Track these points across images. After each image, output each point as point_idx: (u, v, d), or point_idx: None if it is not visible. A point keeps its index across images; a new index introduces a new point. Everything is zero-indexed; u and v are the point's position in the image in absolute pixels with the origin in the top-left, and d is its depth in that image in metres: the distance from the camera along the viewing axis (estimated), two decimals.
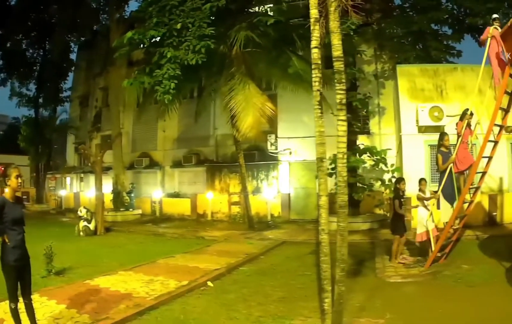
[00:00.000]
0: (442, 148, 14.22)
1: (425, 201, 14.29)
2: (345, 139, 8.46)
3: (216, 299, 11.11)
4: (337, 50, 8.45)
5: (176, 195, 31.11)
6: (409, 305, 10.65)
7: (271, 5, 20.05)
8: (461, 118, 14.11)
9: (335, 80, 8.46)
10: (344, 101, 8.46)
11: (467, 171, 13.82)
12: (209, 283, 12.35)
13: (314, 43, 8.47)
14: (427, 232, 13.92)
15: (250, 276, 13.50)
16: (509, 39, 11.68)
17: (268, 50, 20.74)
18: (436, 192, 13.98)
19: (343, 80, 8.46)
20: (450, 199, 13.87)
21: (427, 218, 13.96)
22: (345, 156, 8.52)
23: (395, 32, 26.33)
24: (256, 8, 21.04)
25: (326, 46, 8.87)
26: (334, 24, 8.47)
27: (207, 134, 31.03)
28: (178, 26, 18.58)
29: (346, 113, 8.50)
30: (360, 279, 12.66)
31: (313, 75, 8.49)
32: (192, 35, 18.48)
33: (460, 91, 20.12)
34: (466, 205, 14.32)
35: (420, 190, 14.49)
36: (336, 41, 8.45)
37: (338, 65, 8.43)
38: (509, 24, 11.13)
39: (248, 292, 11.60)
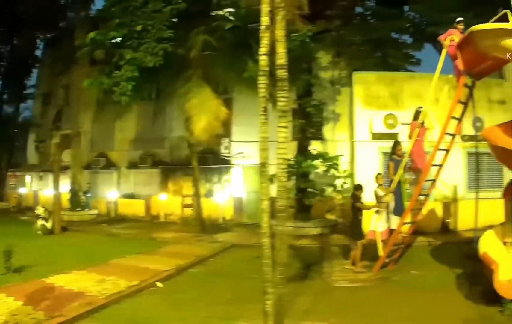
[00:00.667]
0: (394, 156, 14.25)
1: (377, 201, 14.33)
2: (285, 146, 8.62)
3: (164, 299, 11.27)
4: (281, 58, 8.58)
5: (131, 196, 30.88)
6: (354, 309, 10.60)
7: (231, 9, 19.85)
8: (415, 118, 14.18)
9: (278, 88, 8.58)
10: (286, 108, 8.60)
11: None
12: (158, 284, 12.51)
13: (263, 50, 8.53)
14: (375, 232, 14.00)
15: (199, 278, 13.60)
16: (466, 49, 11.65)
17: (225, 54, 20.60)
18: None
19: (286, 88, 8.58)
20: (399, 210, 13.96)
21: (377, 220, 13.97)
22: (285, 162, 8.72)
23: (354, 39, 26.29)
24: (216, 12, 20.83)
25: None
26: (280, 32, 8.61)
27: (162, 136, 30.77)
28: (139, 27, 18.59)
29: (287, 120, 8.64)
30: (307, 283, 12.65)
31: (260, 82, 8.50)
32: (152, 38, 18.48)
33: (417, 99, 19.98)
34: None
35: (378, 185, 14.56)
36: (280, 49, 8.59)
37: (281, 73, 8.56)
38: (466, 34, 11.05)
39: (196, 294, 11.75)
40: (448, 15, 23.10)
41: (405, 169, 14.12)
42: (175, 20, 19.24)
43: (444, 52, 13.15)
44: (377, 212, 14.15)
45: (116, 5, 19.44)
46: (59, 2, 38.50)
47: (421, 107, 14.17)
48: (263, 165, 8.52)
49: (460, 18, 12.91)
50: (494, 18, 10.94)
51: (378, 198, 14.35)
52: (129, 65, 18.50)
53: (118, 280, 12.37)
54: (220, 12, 19.26)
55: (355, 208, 14.03)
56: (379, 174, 15.12)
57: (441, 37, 13.28)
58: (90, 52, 22.51)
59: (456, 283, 12.05)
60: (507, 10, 10.40)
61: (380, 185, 14.54)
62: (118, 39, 19.43)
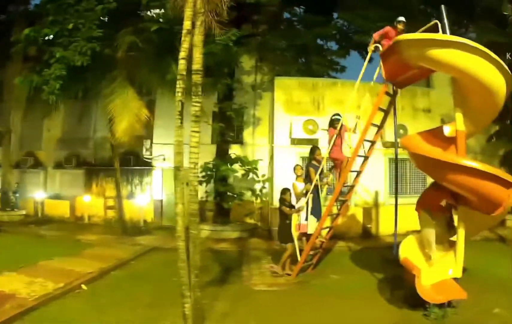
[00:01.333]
0: (314, 162, 14.34)
1: (296, 197, 14.35)
2: (197, 150, 8.63)
3: (89, 302, 11.12)
4: (197, 63, 8.66)
5: (57, 197, 29.85)
6: (273, 313, 10.59)
7: (159, 11, 19.61)
8: (331, 125, 14.38)
9: (192, 93, 8.65)
10: (198, 113, 8.66)
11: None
12: (83, 286, 12.31)
13: (182, 54, 8.64)
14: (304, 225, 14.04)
15: (121, 281, 13.40)
16: (390, 58, 11.82)
17: (150, 56, 20.31)
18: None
19: (200, 93, 8.66)
20: (316, 215, 14.02)
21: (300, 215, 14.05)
22: (197, 166, 8.71)
23: (279, 44, 26.26)
24: (145, 12, 20.54)
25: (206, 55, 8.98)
26: (198, 38, 8.70)
27: (87, 136, 29.92)
28: (70, 26, 18.05)
29: (199, 125, 8.69)
30: (227, 286, 12.54)
31: (177, 86, 8.58)
32: (82, 36, 18.01)
33: (339, 106, 20.28)
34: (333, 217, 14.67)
35: (297, 177, 14.57)
36: (197, 54, 8.68)
37: (197, 78, 8.63)
38: (391, 43, 11.22)
39: (119, 296, 11.56)
40: (375, 24, 23.75)
41: (322, 174, 14.25)
42: (105, 19, 18.98)
43: (368, 55, 13.35)
44: (299, 209, 14.14)
45: (51, 2, 18.86)
46: None
47: (336, 114, 14.41)
48: (178, 169, 8.66)
49: (401, 18, 12.77)
50: (424, 28, 11.18)
51: (296, 190, 14.36)
52: (58, 63, 17.99)
53: (46, 282, 12.19)
54: (149, 13, 19.01)
55: (282, 212, 14.02)
56: (297, 165, 15.14)
57: (375, 35, 13.29)
58: (24, 49, 21.94)
59: (378, 288, 12.21)
60: (437, 21, 10.65)
61: (298, 176, 14.58)
62: (51, 37, 18.92)
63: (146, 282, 13.07)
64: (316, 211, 14.03)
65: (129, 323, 9.47)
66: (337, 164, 14.51)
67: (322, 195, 14.62)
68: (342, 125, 14.04)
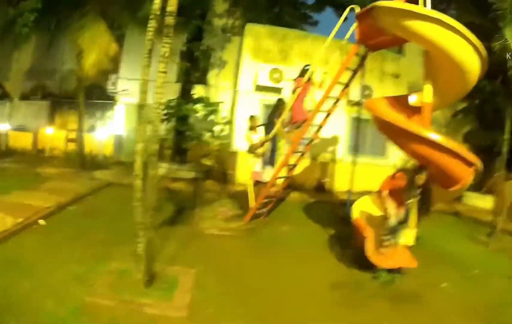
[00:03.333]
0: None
1: (251, 148, 14.52)
2: (162, 90, 8.50)
3: (45, 238, 10.94)
4: (171, 5, 8.52)
5: (21, 128, 29.12)
6: (221, 258, 10.73)
7: None
8: (301, 75, 14.19)
9: (164, 34, 8.49)
10: (167, 54, 8.47)
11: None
12: (41, 222, 12.16)
13: None
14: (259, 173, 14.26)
15: (77, 216, 13.25)
16: (365, 21, 11.77)
17: None
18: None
19: (171, 35, 8.49)
20: (271, 164, 14.33)
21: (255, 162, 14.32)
22: (161, 106, 8.69)
23: None
24: None
25: None
26: None
27: (55, 68, 29.16)
28: None
29: (166, 66, 8.48)
30: (178, 228, 12.55)
31: (149, 25, 8.42)
32: None
33: (306, 58, 20.22)
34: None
35: (251, 128, 14.71)
36: None
37: (170, 20, 8.49)
38: (368, 7, 11.13)
39: (74, 233, 11.46)
40: None
41: (283, 123, 14.27)
42: None
43: (345, 14, 13.26)
44: (251, 152, 14.40)
45: None
46: None
47: (308, 65, 14.20)
48: (141, 107, 8.56)
49: None
50: None
51: (250, 141, 14.52)
52: None
53: (5, 217, 11.85)
54: None
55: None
56: (252, 116, 15.21)
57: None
58: None
59: (328, 244, 12.44)
60: None
61: (253, 127, 14.73)
62: None
63: (101, 219, 13.02)
64: (272, 161, 14.14)
65: (82, 261, 9.40)
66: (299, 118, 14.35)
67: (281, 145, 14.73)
68: (309, 79, 13.95)
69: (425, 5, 10.26)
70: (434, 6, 10.00)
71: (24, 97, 29.26)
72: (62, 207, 13.96)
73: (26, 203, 13.61)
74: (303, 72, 14.11)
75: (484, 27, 16.78)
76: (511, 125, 16.95)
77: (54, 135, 26.88)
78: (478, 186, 21.45)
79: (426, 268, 10.77)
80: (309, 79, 13.96)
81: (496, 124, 20.04)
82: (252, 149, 14.42)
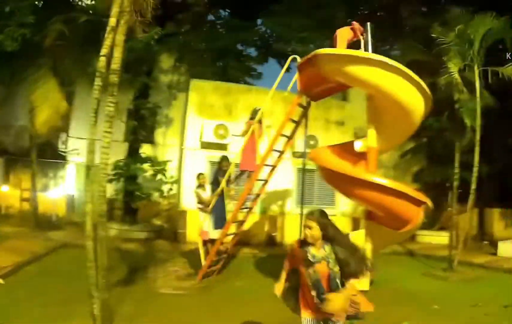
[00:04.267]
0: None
1: (201, 205, 14.44)
2: (108, 150, 8.61)
3: (5, 296, 10.91)
4: (116, 63, 8.64)
5: None
6: (177, 317, 10.61)
7: (90, 1, 19.18)
8: (252, 117, 14.27)
9: (108, 93, 8.62)
10: (112, 114, 8.62)
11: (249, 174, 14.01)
12: (0, 281, 12.07)
13: (103, 51, 8.62)
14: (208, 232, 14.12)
15: (34, 276, 13.23)
16: (306, 70, 11.83)
17: (76, 46, 19.79)
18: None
19: (115, 94, 8.62)
20: (221, 222, 14.03)
21: (205, 219, 14.11)
22: (108, 166, 8.96)
23: (199, 46, 26.26)
24: (77, 1, 20.06)
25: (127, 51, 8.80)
26: (119, 37, 8.73)
27: (9, 123, 28.79)
28: (7, 9, 17.43)
29: (112, 126, 8.64)
30: (133, 288, 12.44)
31: (95, 83, 8.51)
32: (15, 21, 17.40)
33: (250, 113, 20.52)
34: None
35: (199, 186, 14.64)
36: (117, 54, 8.68)
37: (114, 78, 8.60)
38: (310, 56, 11.20)
39: (32, 292, 11.43)
40: (298, 33, 24.06)
41: (230, 180, 14.34)
42: (39, 4, 18.70)
43: (286, 64, 13.34)
44: (202, 210, 14.29)
45: None
46: None
47: (259, 107, 14.25)
48: (89, 168, 8.58)
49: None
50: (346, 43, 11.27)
51: (200, 198, 14.48)
52: None
53: None
54: (79, 3, 18.55)
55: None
56: (200, 173, 15.22)
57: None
58: None
59: (283, 294, 12.26)
60: (361, 36, 10.80)
61: (201, 185, 14.69)
62: None
63: (58, 279, 12.90)
64: (220, 220, 14.05)
65: (41, 320, 9.32)
66: (249, 174, 14.31)
67: (227, 202, 14.65)
68: (259, 125, 14.01)
69: (366, 49, 10.39)
70: (377, 48, 10.14)
71: None
72: (20, 267, 13.84)
73: None
74: (254, 114, 14.18)
75: (429, 63, 17.17)
76: (460, 159, 17.23)
77: (9, 193, 26.29)
78: (432, 222, 21.75)
79: (386, 308, 10.68)
80: (260, 122, 14.04)
81: (447, 159, 20.39)
82: (202, 206, 14.31)
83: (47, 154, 25.66)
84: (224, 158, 14.97)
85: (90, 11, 18.19)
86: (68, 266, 14.46)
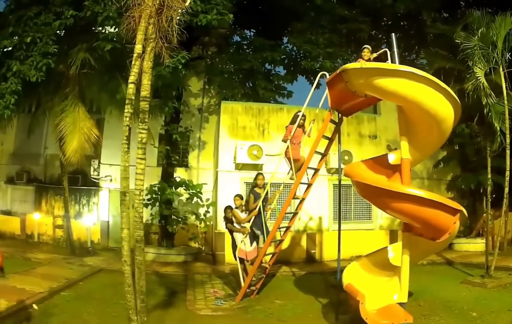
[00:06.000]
0: (256, 189, 14.34)
1: (238, 225, 14.30)
2: (142, 177, 8.67)
3: (39, 322, 10.92)
4: (145, 90, 8.67)
5: (8, 213, 28.86)
6: None
7: (113, 29, 19.33)
8: (292, 122, 14.20)
9: (139, 120, 8.70)
10: (144, 140, 8.68)
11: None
12: (34, 306, 12.07)
13: (131, 78, 8.66)
14: (246, 251, 14.04)
15: (69, 302, 13.16)
16: (336, 87, 11.82)
17: (101, 74, 20.07)
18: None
19: (146, 120, 8.71)
20: (260, 238, 14.00)
21: (243, 239, 14.03)
22: (142, 193, 8.80)
23: (227, 68, 26.30)
24: (100, 29, 20.26)
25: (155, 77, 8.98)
26: (147, 64, 8.74)
27: (38, 152, 29.09)
28: (28, 39, 17.58)
29: (145, 152, 8.69)
30: (171, 311, 12.43)
31: (125, 110, 8.57)
32: (38, 51, 17.57)
33: (283, 131, 20.37)
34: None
35: (236, 207, 14.50)
36: (145, 81, 8.69)
37: (144, 105, 8.66)
38: (337, 71, 11.20)
39: (67, 318, 11.42)
40: (324, 49, 24.03)
41: (265, 201, 14.27)
42: (61, 34, 18.64)
43: (316, 82, 13.42)
44: (239, 232, 14.19)
45: (13, 13, 18.51)
46: None
47: (299, 111, 14.20)
48: (124, 194, 8.58)
49: (366, 46, 12.70)
50: (373, 56, 11.28)
51: (237, 218, 14.33)
52: (15, 77, 17.53)
53: None
54: (103, 31, 18.74)
55: (229, 230, 14.32)
56: (237, 195, 15.06)
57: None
58: None
59: (322, 312, 12.23)
60: (387, 49, 10.79)
61: (237, 207, 14.53)
62: (9, 49, 18.50)
63: (94, 304, 12.88)
64: (259, 236, 14.04)
65: None
66: (296, 164, 14.09)
67: (267, 217, 14.65)
68: (299, 127, 14.02)
69: (393, 61, 10.38)
70: (403, 58, 10.11)
71: (9, 181, 29.01)
72: (55, 292, 13.85)
73: (19, 287, 13.55)
74: (295, 118, 14.14)
75: (455, 70, 17.05)
76: (492, 163, 17.00)
77: (42, 220, 26.54)
78: (468, 230, 21.49)
79: (425, 320, 10.72)
80: (300, 126, 14.07)
81: (479, 165, 20.14)
82: (239, 227, 14.31)
83: (79, 182, 26.13)
84: (259, 175, 14.95)
85: (114, 39, 18.29)
86: (104, 291, 14.58)
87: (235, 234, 14.23)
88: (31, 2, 18.39)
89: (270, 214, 15.62)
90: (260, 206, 13.79)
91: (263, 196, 13.94)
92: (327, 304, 12.93)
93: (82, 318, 11.44)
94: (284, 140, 14.29)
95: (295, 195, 13.74)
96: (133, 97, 8.59)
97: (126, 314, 8.20)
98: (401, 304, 10.18)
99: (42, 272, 16.74)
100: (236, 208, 14.47)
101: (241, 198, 14.91)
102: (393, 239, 20.66)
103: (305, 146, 14.28)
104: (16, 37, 18.19)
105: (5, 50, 18.54)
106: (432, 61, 18.79)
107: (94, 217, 25.89)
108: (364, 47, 11.58)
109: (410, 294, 10.88)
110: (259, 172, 15.98)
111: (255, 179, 14.65)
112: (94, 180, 26.26)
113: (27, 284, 14.06)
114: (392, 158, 11.23)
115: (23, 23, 18.04)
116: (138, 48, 8.64)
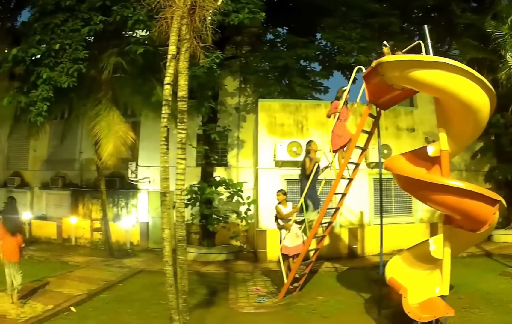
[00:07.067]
0: (311, 154, 14.27)
1: (282, 221, 14.35)
2: (183, 177, 8.73)
3: None
4: (182, 90, 8.75)
5: (43, 218, 29.26)
6: None
7: (144, 32, 19.51)
8: (338, 98, 14.18)
9: (178, 120, 8.74)
10: (184, 140, 8.75)
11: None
12: (72, 309, 12.36)
13: (167, 79, 8.74)
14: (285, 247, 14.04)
15: (108, 303, 13.38)
16: (372, 80, 11.79)
17: (134, 77, 20.29)
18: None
19: (185, 120, 8.78)
20: (315, 204, 14.07)
21: (284, 236, 14.06)
22: (183, 193, 8.85)
23: (262, 66, 26.23)
24: (130, 33, 20.45)
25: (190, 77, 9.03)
26: (183, 64, 8.81)
27: (73, 157, 29.40)
28: (57, 46, 17.91)
29: (185, 152, 8.79)
30: (213, 310, 12.54)
31: (163, 112, 8.66)
32: (68, 57, 17.90)
33: (321, 127, 20.40)
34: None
35: (279, 203, 14.54)
36: (182, 81, 8.78)
37: (182, 105, 8.72)
38: (373, 65, 11.17)
39: (106, 319, 11.67)
40: (358, 44, 23.91)
41: (319, 169, 14.27)
42: (91, 39, 18.97)
43: (352, 76, 13.38)
44: (283, 228, 14.23)
45: (39, 22, 18.78)
46: None
47: (345, 87, 14.20)
48: (164, 195, 8.69)
49: (384, 42, 12.49)
50: (407, 48, 11.26)
51: (280, 214, 14.37)
52: (45, 84, 17.85)
53: (35, 303, 12.31)
54: (134, 34, 18.92)
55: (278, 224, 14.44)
56: (280, 190, 15.12)
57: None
58: (11, 69, 21.19)
59: (365, 307, 12.23)
60: (420, 41, 10.73)
61: (280, 202, 14.56)
62: (38, 56, 18.78)
63: (133, 305, 13.06)
64: (315, 200, 14.02)
65: None
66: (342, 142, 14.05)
67: (318, 191, 14.64)
68: (344, 107, 14.01)
69: (427, 52, 10.31)
70: (436, 50, 10.04)
71: (44, 186, 29.48)
72: (93, 295, 14.11)
73: (56, 290, 13.89)
74: (340, 93, 14.15)
75: (487, 60, 16.84)
76: None
77: (78, 224, 26.98)
78: (505, 221, 21.19)
79: (465, 313, 10.69)
80: (346, 103, 14.04)
81: None
82: (282, 223, 14.32)
83: (116, 185, 26.35)
84: (311, 141, 14.81)
85: (146, 42, 18.45)
86: (144, 292, 14.78)
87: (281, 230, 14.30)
88: (56, 10, 18.64)
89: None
90: (314, 172, 13.86)
91: (316, 164, 14.03)
92: (369, 299, 12.89)
93: (122, 319, 11.63)
94: (328, 116, 14.33)
95: (342, 175, 13.66)
96: (170, 98, 8.67)
97: (167, 315, 8.32)
98: (442, 297, 10.11)
99: (80, 275, 17.03)
100: (279, 203, 14.53)
101: (284, 193, 14.95)
102: (433, 232, 20.39)
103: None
104: (44, 45, 18.44)
105: (33, 58, 18.78)
106: (465, 52, 18.65)
107: (132, 219, 26.19)
108: (384, 45, 11.66)
109: (450, 287, 10.77)
110: (311, 139, 15.79)
111: (308, 144, 14.70)
112: (132, 182, 26.49)
113: (65, 287, 14.41)
114: (431, 150, 11.14)
115: (50, 31, 18.33)
116: (172, 49, 8.73)
